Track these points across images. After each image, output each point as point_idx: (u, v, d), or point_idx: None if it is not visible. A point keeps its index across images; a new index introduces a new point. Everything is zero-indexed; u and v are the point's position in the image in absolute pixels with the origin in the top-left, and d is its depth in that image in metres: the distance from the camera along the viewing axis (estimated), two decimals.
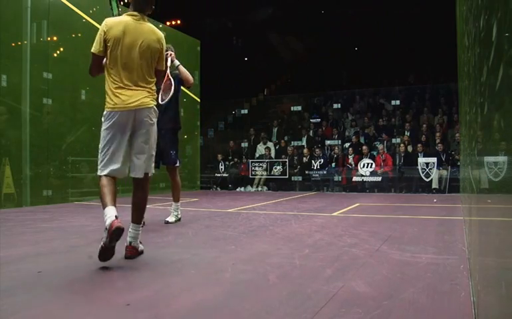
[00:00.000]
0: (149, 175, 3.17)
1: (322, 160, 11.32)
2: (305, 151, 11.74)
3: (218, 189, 12.24)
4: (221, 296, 2.21)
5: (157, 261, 3.01)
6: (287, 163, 11.64)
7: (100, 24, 3.15)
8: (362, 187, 10.67)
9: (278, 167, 11.74)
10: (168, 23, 13.41)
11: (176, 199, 4.93)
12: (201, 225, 4.84)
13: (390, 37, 14.20)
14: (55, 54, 7.98)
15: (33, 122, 7.35)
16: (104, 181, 2.96)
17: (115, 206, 2.87)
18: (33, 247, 3.56)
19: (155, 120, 3.14)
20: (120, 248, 3.04)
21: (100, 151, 3.03)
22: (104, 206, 2.85)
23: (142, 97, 3.04)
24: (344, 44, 15.33)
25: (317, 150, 11.57)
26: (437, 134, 10.83)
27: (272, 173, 11.77)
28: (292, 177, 11.54)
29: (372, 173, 10.64)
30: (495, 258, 1.41)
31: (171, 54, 4.44)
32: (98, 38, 3.00)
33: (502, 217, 1.30)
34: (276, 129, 13.26)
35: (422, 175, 10.12)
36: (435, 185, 9.97)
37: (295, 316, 1.91)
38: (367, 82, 14.45)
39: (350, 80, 15.45)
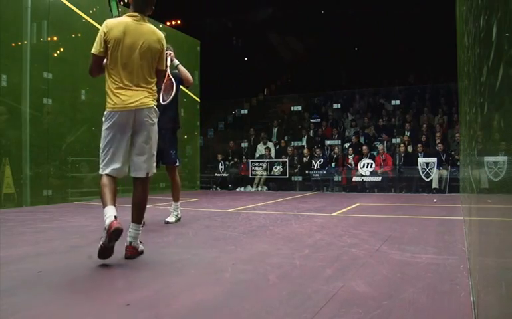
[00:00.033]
0: (150, 175, 3.18)
1: (322, 160, 11.32)
2: (305, 151, 11.74)
3: (218, 189, 12.24)
4: (221, 296, 2.21)
5: (157, 261, 3.01)
6: (287, 163, 11.64)
7: (100, 24, 3.17)
8: (362, 187, 10.67)
9: (278, 167, 11.74)
10: (168, 23, 13.41)
11: (176, 199, 4.93)
12: (201, 225, 4.84)
13: (390, 37, 14.20)
14: (55, 54, 7.98)
15: (33, 122, 7.35)
16: (105, 180, 3.00)
17: (115, 206, 2.91)
18: (33, 247, 3.56)
19: (155, 120, 3.16)
20: (120, 248, 3.04)
21: (101, 151, 3.07)
22: (104, 205, 2.89)
23: (142, 97, 3.05)
24: (344, 44, 15.33)
25: (317, 150, 11.57)
26: (437, 134, 10.83)
27: (272, 173, 11.77)
28: (292, 177, 11.54)
29: (372, 173, 10.64)
30: (495, 258, 1.41)
31: (170, 54, 4.45)
32: (99, 39, 3.02)
33: (502, 217, 1.30)
34: (276, 129, 13.26)
35: (422, 175, 10.12)
36: (435, 185, 9.97)
37: (295, 316, 1.91)
38: (367, 82, 14.45)
39: (349, 80, 15.45)
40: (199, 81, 12.10)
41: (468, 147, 3.55)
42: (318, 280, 2.45)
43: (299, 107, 13.79)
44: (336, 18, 14.83)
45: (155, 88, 3.20)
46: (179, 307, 2.06)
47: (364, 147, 10.93)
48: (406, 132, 11.43)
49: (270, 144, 12.53)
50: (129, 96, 3.01)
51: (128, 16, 3.10)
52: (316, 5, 15.17)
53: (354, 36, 15.18)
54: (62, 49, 8.11)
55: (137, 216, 3.11)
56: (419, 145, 10.51)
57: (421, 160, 10.18)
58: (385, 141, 11.39)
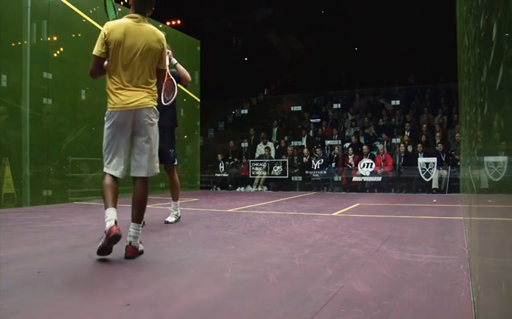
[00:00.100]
0: (153, 174, 3.21)
1: (322, 160, 11.32)
2: (305, 151, 11.74)
3: (218, 189, 12.24)
4: (221, 296, 2.21)
5: (157, 261, 3.01)
6: (287, 163, 11.64)
7: (100, 24, 3.22)
8: (362, 187, 10.67)
9: (278, 167, 11.74)
10: (168, 23, 13.40)
11: (175, 198, 4.94)
12: (201, 225, 4.84)
13: (390, 37, 14.20)
14: (55, 54, 7.98)
15: (33, 122, 7.35)
16: (107, 180, 3.08)
17: (115, 207, 2.99)
18: (33, 247, 3.56)
19: (155, 120, 3.18)
20: (120, 247, 3.05)
21: (103, 150, 3.14)
22: (106, 206, 2.99)
23: (142, 97, 3.09)
24: (344, 44, 15.33)
25: (317, 150, 11.57)
26: (437, 134, 10.83)
27: (272, 173, 11.77)
28: (292, 177, 11.54)
29: (372, 173, 10.64)
30: (495, 258, 1.41)
31: (168, 53, 4.45)
32: (100, 40, 3.06)
33: (502, 217, 1.30)
34: (276, 129, 13.26)
35: (422, 175, 10.12)
36: (435, 185, 9.97)
37: (295, 316, 1.91)
38: (367, 82, 14.45)
39: (349, 80, 15.45)
40: (199, 81, 12.11)
41: (468, 147, 3.55)
42: (318, 280, 2.45)
43: (299, 108, 13.79)
44: (336, 18, 14.82)
45: (155, 88, 3.22)
46: (179, 307, 2.06)
47: (364, 147, 10.93)
48: (406, 132, 11.43)
49: (270, 144, 12.53)
50: (128, 96, 3.05)
51: (128, 17, 3.14)
52: (316, 5, 15.16)
53: (354, 36, 15.17)
54: (62, 49, 8.11)
55: (137, 215, 3.12)
56: (419, 145, 10.51)
57: (421, 160, 10.18)
58: (385, 141, 11.39)
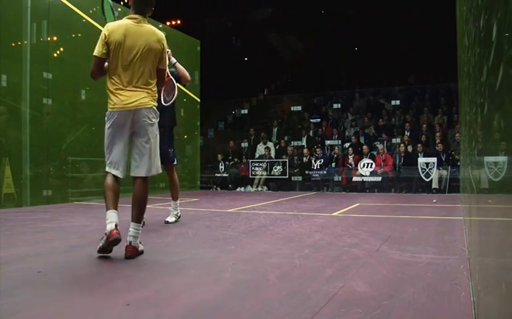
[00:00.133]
0: (155, 174, 3.24)
1: (322, 160, 11.32)
2: (305, 151, 11.74)
3: (218, 189, 12.24)
4: (221, 296, 2.21)
5: (157, 261, 3.01)
6: (287, 163, 11.64)
7: (100, 24, 3.24)
8: (362, 187, 10.67)
9: (278, 167, 11.74)
10: (168, 23, 13.40)
11: (175, 198, 4.94)
12: (201, 225, 4.84)
13: (390, 37, 14.19)
14: (55, 54, 7.98)
15: (33, 122, 7.35)
16: (108, 180, 3.12)
17: (116, 209, 3.05)
18: (33, 247, 3.56)
19: (154, 121, 3.20)
20: (120, 247, 3.05)
21: (104, 149, 3.19)
22: (107, 208, 3.06)
23: (141, 97, 3.11)
24: (344, 44, 15.33)
25: (317, 150, 11.57)
26: (437, 134, 10.83)
27: (272, 173, 11.77)
28: (292, 177, 11.54)
29: (372, 173, 10.64)
30: (495, 258, 1.41)
31: (168, 52, 4.45)
32: (100, 41, 3.09)
33: (502, 217, 1.30)
34: (276, 129, 13.26)
35: (422, 175, 10.12)
36: (435, 185, 9.97)
37: (295, 316, 1.91)
38: (367, 82, 14.45)
39: (349, 80, 15.45)
40: (199, 81, 12.11)
41: (468, 147, 3.55)
42: (318, 280, 2.45)
43: (299, 108, 13.79)
44: (336, 18, 14.82)
45: (155, 88, 3.24)
46: (179, 307, 2.06)
47: (365, 147, 10.93)
48: (406, 132, 11.43)
49: (270, 144, 12.53)
50: (128, 97, 3.08)
51: (128, 18, 3.16)
52: (316, 5, 15.16)
53: (354, 36, 15.17)
54: (62, 49, 8.11)
55: (137, 215, 3.13)
56: (419, 145, 10.51)
57: (421, 160, 10.18)
58: (385, 141, 11.39)
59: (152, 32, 3.17)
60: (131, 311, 1.99)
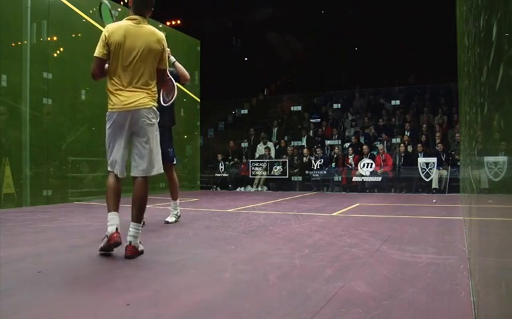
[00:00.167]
0: (155, 174, 3.26)
1: (322, 160, 11.32)
2: (305, 151, 11.74)
3: (218, 189, 12.24)
4: (221, 296, 2.22)
5: (157, 261, 3.02)
6: (287, 163, 11.64)
7: (100, 25, 3.26)
8: (362, 187, 10.67)
9: (278, 167, 11.74)
10: (168, 23, 13.41)
11: (175, 198, 4.94)
12: (201, 225, 4.84)
13: (390, 37, 14.20)
14: (55, 54, 7.98)
15: (33, 122, 7.35)
16: (110, 180, 3.18)
17: (117, 211, 3.14)
18: (33, 247, 3.56)
19: (154, 121, 3.22)
20: (120, 247, 3.06)
21: (106, 149, 3.24)
22: (108, 210, 3.13)
23: (140, 98, 3.13)
24: (344, 44, 15.33)
25: (317, 150, 11.57)
26: (437, 134, 10.83)
27: (272, 173, 11.77)
28: (292, 177, 11.54)
29: (372, 173, 10.64)
30: (495, 258, 1.41)
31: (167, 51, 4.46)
32: (101, 42, 3.12)
33: (502, 217, 1.30)
34: (276, 129, 13.25)
35: (422, 175, 10.12)
36: (435, 185, 9.96)
37: (295, 316, 1.91)
38: (367, 82, 14.45)
39: (349, 80, 15.45)
40: (199, 81, 12.11)
41: (468, 147, 3.55)
42: (318, 280, 2.45)
43: (299, 108, 13.79)
44: (336, 18, 14.83)
45: (155, 89, 3.26)
46: (179, 307, 2.06)
47: (364, 147, 10.93)
48: (406, 132, 11.43)
49: (270, 144, 12.53)
50: (127, 97, 3.10)
51: (128, 19, 3.19)
52: (316, 5, 15.17)
53: (354, 36, 15.18)
54: (62, 49, 8.11)
55: (137, 215, 3.14)
56: (419, 145, 10.51)
57: (421, 160, 10.18)
58: (385, 141, 11.39)
59: (152, 33, 3.19)
60: (132, 311, 1.99)
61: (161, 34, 3.27)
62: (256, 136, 13.08)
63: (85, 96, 8.31)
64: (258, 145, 12.70)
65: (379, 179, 10.57)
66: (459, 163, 9.32)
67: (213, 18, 15.37)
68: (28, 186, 7.22)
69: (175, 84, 4.21)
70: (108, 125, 3.17)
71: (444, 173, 10.00)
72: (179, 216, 4.97)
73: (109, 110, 3.15)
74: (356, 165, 10.86)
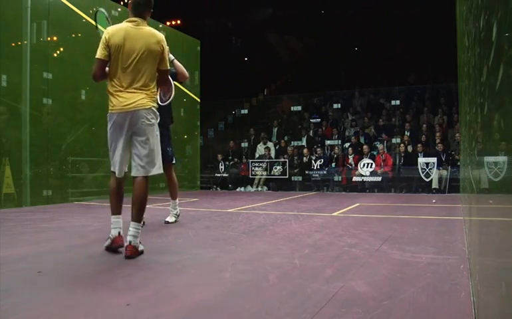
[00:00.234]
0: (154, 174, 3.29)
1: (322, 160, 11.32)
2: (305, 151, 11.74)
3: (218, 189, 12.24)
4: (221, 296, 2.22)
5: (157, 261, 3.02)
6: (287, 163, 11.64)
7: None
8: (362, 187, 10.67)
9: (278, 167, 11.74)
10: (168, 23, 13.41)
11: (174, 197, 4.94)
12: (201, 225, 4.84)
13: (390, 37, 14.20)
14: (55, 54, 7.98)
15: (33, 122, 7.35)
16: (112, 182, 3.28)
17: (120, 213, 3.26)
18: (33, 247, 3.56)
19: (154, 121, 3.25)
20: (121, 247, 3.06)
21: (108, 150, 3.32)
22: (111, 212, 3.26)
23: (139, 99, 3.17)
24: (344, 44, 15.33)
25: (317, 150, 11.57)
26: (437, 134, 10.83)
27: (272, 173, 11.77)
28: (292, 177, 11.54)
29: (372, 173, 10.64)
30: (495, 258, 1.41)
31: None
32: (102, 44, 3.17)
33: (502, 217, 1.30)
34: (276, 129, 13.25)
35: (422, 175, 10.12)
36: (435, 185, 9.96)
37: (295, 316, 1.91)
38: (367, 82, 14.45)
39: (349, 80, 15.46)
40: (199, 81, 12.11)
41: (468, 147, 3.55)
42: (318, 280, 2.45)
43: (299, 108, 13.79)
44: (336, 18, 14.83)
45: (155, 89, 3.31)
46: (179, 307, 2.06)
47: (365, 147, 10.93)
48: (406, 132, 11.42)
49: (270, 144, 12.53)
50: (126, 98, 3.14)
51: (128, 21, 3.23)
52: (316, 5, 15.17)
53: (354, 36, 15.18)
54: (62, 49, 8.11)
55: (137, 215, 3.16)
56: (419, 145, 10.51)
57: (421, 160, 10.18)
58: (385, 141, 11.38)
59: (151, 35, 3.22)
60: (132, 311, 1.99)
61: (161, 36, 3.29)
62: (256, 136, 13.08)
63: (85, 96, 8.31)
64: (258, 145, 12.70)
65: (379, 179, 10.57)
66: (459, 163, 9.32)
67: (213, 18, 15.38)
68: (28, 186, 7.22)
69: (173, 83, 4.21)
70: (108, 126, 3.22)
71: (444, 173, 10.00)
72: (178, 216, 4.98)
73: (109, 111, 3.20)
74: (356, 165, 10.86)
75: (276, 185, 11.66)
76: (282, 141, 12.59)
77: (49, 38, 7.80)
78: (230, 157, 12.75)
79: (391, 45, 14.28)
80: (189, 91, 11.61)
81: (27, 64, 7.30)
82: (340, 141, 12.01)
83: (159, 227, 4.60)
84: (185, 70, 4.59)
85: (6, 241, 3.73)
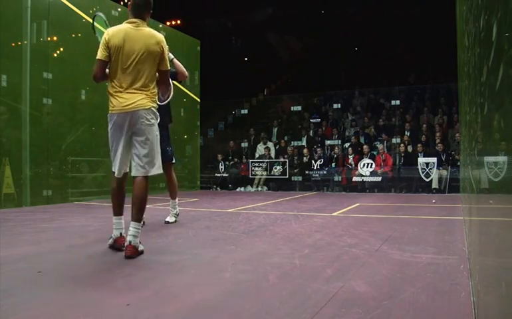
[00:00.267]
0: (153, 174, 3.31)
1: (322, 160, 11.32)
2: (305, 151, 11.74)
3: (218, 189, 12.24)
4: (221, 296, 2.22)
5: (157, 261, 3.02)
6: (287, 163, 11.64)
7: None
8: (362, 187, 10.67)
9: (278, 167, 11.74)
10: (168, 23, 13.41)
11: (173, 196, 4.95)
12: (201, 225, 4.84)
13: (390, 37, 14.20)
14: (55, 54, 7.98)
15: (33, 122, 7.35)
16: (113, 182, 3.33)
17: (122, 214, 3.34)
18: (33, 247, 3.56)
19: (153, 121, 3.27)
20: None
21: (110, 150, 3.37)
22: (113, 213, 3.34)
23: (139, 99, 3.19)
24: (344, 44, 15.34)
25: (317, 150, 11.57)
26: (437, 134, 10.83)
27: (272, 173, 11.77)
28: (292, 177, 11.54)
29: (372, 173, 10.64)
30: (495, 258, 1.41)
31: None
32: (102, 46, 3.20)
33: (502, 217, 1.30)
34: (276, 129, 13.25)
35: (422, 175, 10.12)
36: (435, 185, 9.96)
37: (295, 316, 1.91)
38: (367, 82, 14.45)
39: (349, 80, 15.46)
40: (199, 81, 12.11)
41: (468, 147, 3.55)
42: (318, 280, 2.45)
43: (299, 108, 13.79)
44: (336, 18, 14.84)
45: (154, 90, 3.32)
46: (179, 307, 2.06)
47: (365, 147, 10.93)
48: (406, 132, 11.42)
49: (270, 144, 12.53)
50: (126, 99, 3.17)
51: (128, 23, 3.26)
52: (316, 5, 15.17)
53: (354, 36, 15.18)
54: (62, 49, 8.11)
55: (137, 215, 3.17)
56: (419, 145, 10.51)
57: (421, 160, 10.17)
58: (385, 141, 11.38)
59: (151, 36, 3.24)
60: (132, 311, 1.99)
61: (160, 36, 3.31)
62: (256, 136, 13.08)
63: (85, 96, 8.31)
64: (258, 145, 12.70)
65: (379, 179, 10.57)
66: (459, 163, 9.31)
67: (213, 18, 15.38)
68: (28, 186, 7.22)
69: (172, 82, 4.21)
70: (109, 127, 3.25)
71: (444, 173, 10.00)
72: (177, 215, 4.98)
73: (109, 112, 3.22)
74: (356, 165, 10.86)
75: (276, 185, 11.66)
76: (282, 141, 12.58)
77: (49, 38, 7.81)
78: (230, 157, 12.75)
79: (391, 45, 14.28)
80: (189, 91, 11.61)
81: (27, 64, 7.30)
82: (340, 141, 12.01)
83: (159, 227, 4.60)
84: (184, 69, 4.59)
85: (6, 241, 3.73)
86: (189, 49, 11.71)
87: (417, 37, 13.62)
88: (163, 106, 4.39)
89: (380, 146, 11.14)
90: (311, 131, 12.83)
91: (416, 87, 13.58)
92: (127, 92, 3.16)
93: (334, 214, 5.93)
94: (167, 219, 4.88)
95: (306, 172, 11.42)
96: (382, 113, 12.66)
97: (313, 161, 11.39)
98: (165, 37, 3.37)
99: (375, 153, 10.98)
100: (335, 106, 13.41)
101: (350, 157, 11.12)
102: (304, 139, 12.54)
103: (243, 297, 2.20)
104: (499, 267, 1.31)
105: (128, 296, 2.19)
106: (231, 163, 12.57)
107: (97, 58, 3.20)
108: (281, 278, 2.53)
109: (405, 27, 13.78)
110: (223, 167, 12.48)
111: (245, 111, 14.58)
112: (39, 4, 7.64)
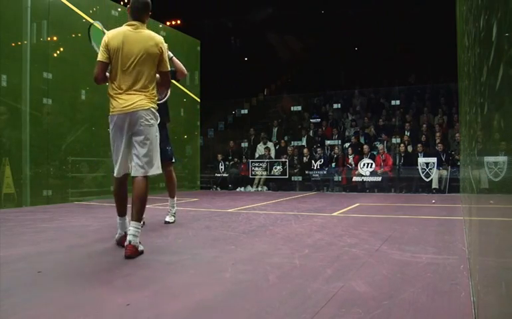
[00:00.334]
0: (153, 174, 3.32)
1: (322, 160, 11.32)
2: (305, 151, 11.74)
3: (218, 189, 12.24)
4: (221, 296, 2.22)
5: (157, 261, 3.02)
6: (287, 163, 11.64)
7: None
8: (362, 187, 10.67)
9: (278, 167, 11.74)
10: (168, 23, 13.41)
11: (172, 195, 4.95)
12: (201, 225, 4.84)
13: (390, 37, 14.20)
14: (55, 54, 7.98)
15: (33, 122, 7.35)
16: (115, 183, 3.41)
17: (125, 214, 3.43)
18: (33, 247, 3.56)
19: (153, 122, 3.29)
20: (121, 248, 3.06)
21: (111, 151, 3.43)
22: (117, 213, 3.46)
23: (138, 100, 3.22)
24: (344, 44, 15.33)
25: (317, 150, 11.57)
26: (437, 134, 10.83)
27: (272, 173, 11.77)
28: (292, 177, 11.54)
29: (372, 173, 10.64)
30: (495, 258, 1.41)
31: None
32: (102, 48, 3.25)
33: (502, 217, 1.30)
34: (276, 129, 13.25)
35: (422, 175, 10.12)
36: (435, 185, 9.96)
37: (295, 315, 1.91)
38: (367, 82, 14.45)
39: (349, 80, 15.46)
40: (199, 81, 12.11)
41: (468, 147, 3.55)
42: (318, 280, 2.45)
43: (299, 108, 13.79)
44: (336, 18, 14.84)
45: (154, 91, 3.36)
46: (179, 307, 2.06)
47: (365, 147, 10.93)
48: (406, 132, 11.42)
49: (270, 144, 12.53)
50: (125, 100, 3.20)
51: (127, 25, 3.29)
52: (316, 5, 15.17)
53: (354, 36, 15.18)
54: (62, 49, 8.11)
55: (137, 214, 3.19)
56: (419, 145, 10.50)
57: (421, 160, 10.17)
58: (385, 141, 11.38)
59: (150, 37, 3.27)
60: (132, 311, 1.99)
61: (160, 38, 3.34)
62: (256, 136, 13.08)
63: (85, 96, 8.31)
64: (258, 145, 12.69)
65: (379, 179, 10.57)
66: (459, 163, 9.31)
67: (213, 18, 15.38)
68: (28, 186, 7.22)
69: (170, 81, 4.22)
70: (110, 128, 3.29)
71: (444, 173, 10.00)
72: (174, 214, 4.98)
73: (110, 113, 3.26)
74: (356, 165, 10.86)
75: (276, 185, 11.66)
76: (282, 141, 12.58)
77: (49, 38, 7.80)
78: (230, 157, 12.74)
79: (391, 45, 14.27)
80: (189, 91, 11.61)
81: (27, 64, 7.30)
82: (340, 141, 12.01)
83: (159, 227, 4.60)
84: (183, 67, 4.58)
85: (6, 241, 3.73)
86: (189, 49, 11.71)
87: (417, 37, 13.61)
88: (161, 104, 4.39)
89: (380, 146, 11.13)
90: (311, 131, 12.83)
91: (416, 87, 13.58)
92: (126, 94, 3.19)
93: (334, 214, 5.93)
94: (167, 219, 4.88)
95: (306, 172, 11.41)
96: (382, 113, 12.66)
97: (313, 161, 11.39)
98: (165, 37, 3.40)
99: (375, 153, 10.98)
100: (335, 105, 13.41)
101: (350, 157, 11.12)
102: (304, 139, 12.54)
103: (242, 297, 2.20)
104: (499, 267, 1.31)
105: (127, 296, 2.19)
106: (231, 163, 12.57)
107: (98, 59, 3.24)
108: (281, 278, 2.53)
109: (405, 27, 13.78)
110: (223, 167, 12.47)
111: (245, 111, 14.58)
112: (39, 4, 7.64)
